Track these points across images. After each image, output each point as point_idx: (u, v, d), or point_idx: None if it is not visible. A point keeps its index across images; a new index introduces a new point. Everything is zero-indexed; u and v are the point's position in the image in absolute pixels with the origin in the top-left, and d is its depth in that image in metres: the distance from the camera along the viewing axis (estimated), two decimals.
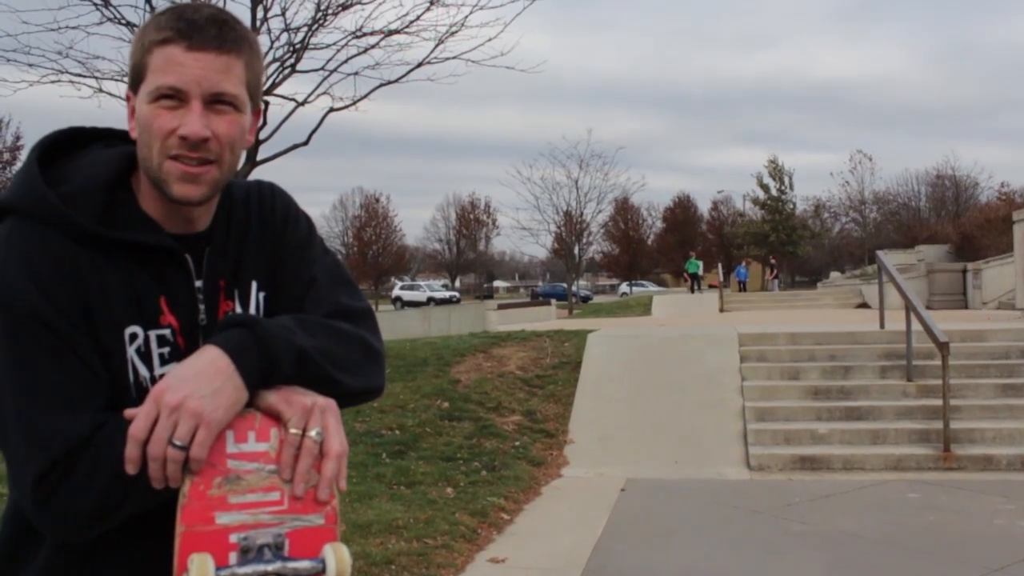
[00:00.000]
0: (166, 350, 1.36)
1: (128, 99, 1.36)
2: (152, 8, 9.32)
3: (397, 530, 5.64)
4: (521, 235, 74.82)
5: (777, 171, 55.75)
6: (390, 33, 9.91)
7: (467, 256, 78.87)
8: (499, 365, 10.39)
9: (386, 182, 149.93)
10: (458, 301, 53.85)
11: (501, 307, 21.22)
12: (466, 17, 9.96)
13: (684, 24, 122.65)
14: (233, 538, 1.22)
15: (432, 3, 9.87)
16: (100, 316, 1.29)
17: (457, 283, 77.64)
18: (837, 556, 5.44)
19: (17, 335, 1.23)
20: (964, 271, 20.83)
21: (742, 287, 41.63)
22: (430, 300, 54.30)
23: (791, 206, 56.05)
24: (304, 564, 1.25)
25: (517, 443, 8.18)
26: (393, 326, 20.62)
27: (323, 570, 1.24)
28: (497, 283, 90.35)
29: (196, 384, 1.21)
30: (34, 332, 1.24)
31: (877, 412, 8.49)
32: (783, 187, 55.63)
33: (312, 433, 1.25)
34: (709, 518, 6.38)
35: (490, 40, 10.02)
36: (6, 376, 1.23)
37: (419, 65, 10.06)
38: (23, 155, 1.37)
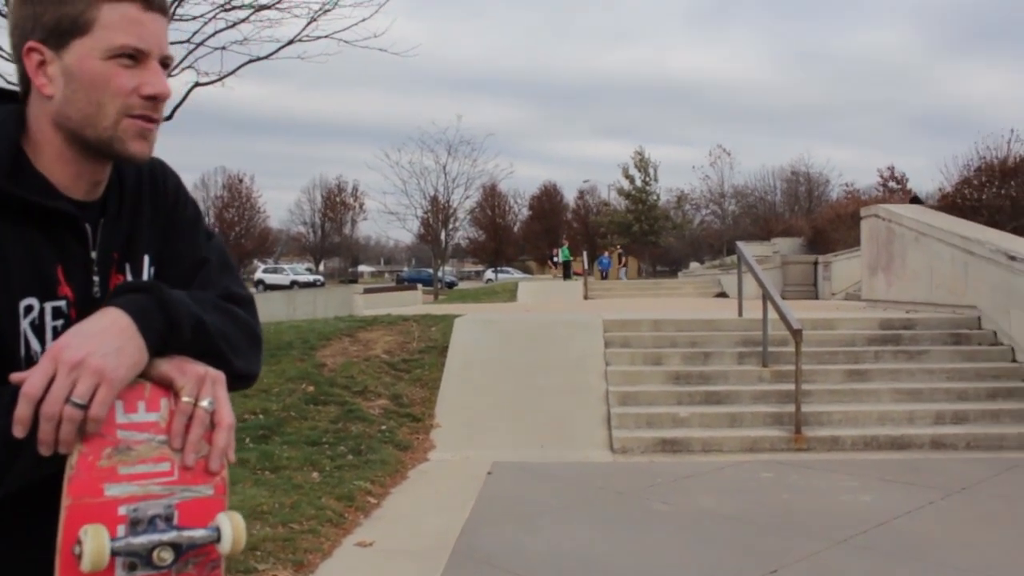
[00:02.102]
0: (60, 323, 1.29)
1: (36, 53, 1.27)
2: None
3: (262, 515, 5.52)
4: (388, 219, 74.05)
5: (643, 163, 57.14)
6: (260, 8, 9.67)
7: (332, 240, 77.79)
8: (365, 349, 10.29)
9: (250, 162, 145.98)
10: (322, 285, 53.00)
11: (367, 291, 21.00)
12: None
13: (544, 17, 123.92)
14: (122, 510, 1.20)
15: None
16: None
17: (321, 267, 76.49)
18: (698, 533, 5.62)
19: None
20: (815, 263, 21.82)
21: (604, 275, 42.47)
22: (293, 284, 53.34)
23: (655, 197, 57.55)
24: (199, 532, 1.24)
25: (383, 427, 8.12)
26: (258, 309, 20.10)
27: (218, 539, 1.24)
28: (362, 267, 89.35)
29: (98, 342, 1.16)
30: None
31: (735, 396, 8.81)
32: (648, 179, 57.05)
33: (204, 403, 1.24)
34: (575, 500, 6.49)
35: (363, 20, 9.92)
36: None
37: (290, 42, 9.86)
38: None
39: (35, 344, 1.26)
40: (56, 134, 1.29)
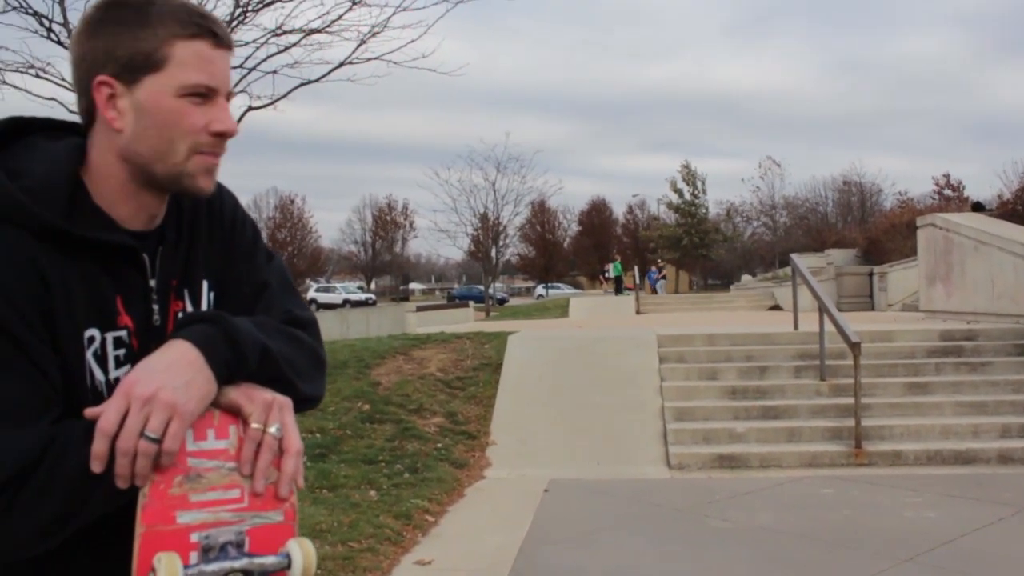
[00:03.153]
0: (121, 352, 1.30)
1: (107, 86, 1.27)
2: None
3: (321, 534, 5.56)
4: (438, 237, 74.70)
5: (690, 176, 56.78)
6: (311, 32, 9.78)
7: (383, 258, 78.37)
8: (420, 367, 10.34)
9: (301, 184, 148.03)
10: (374, 303, 53.46)
11: (420, 309, 21.15)
12: (388, 18, 9.89)
13: (583, 35, 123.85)
14: (194, 537, 1.21)
15: (354, 3, 9.77)
16: (61, 320, 1.22)
17: (373, 285, 77.05)
18: (758, 551, 5.55)
19: None
20: (871, 274, 21.49)
21: (654, 290, 42.22)
22: (346, 302, 53.79)
23: (704, 210, 57.14)
24: (270, 560, 1.25)
25: (439, 445, 8.14)
26: None
27: (288, 565, 1.25)
28: (413, 285, 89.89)
29: (168, 376, 1.18)
30: None
31: (792, 411, 8.69)
32: (696, 192, 56.67)
33: (272, 429, 1.25)
34: (633, 517, 6.45)
35: (412, 42, 9.97)
36: None
37: (340, 65, 9.95)
38: None
39: (99, 374, 1.27)
40: (122, 168, 1.30)
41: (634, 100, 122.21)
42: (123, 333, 1.31)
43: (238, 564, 1.23)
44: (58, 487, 1.14)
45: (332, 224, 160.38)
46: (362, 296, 60.17)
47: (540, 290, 65.93)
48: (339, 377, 9.81)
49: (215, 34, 1.30)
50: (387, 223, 77.50)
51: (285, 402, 1.28)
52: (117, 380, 1.24)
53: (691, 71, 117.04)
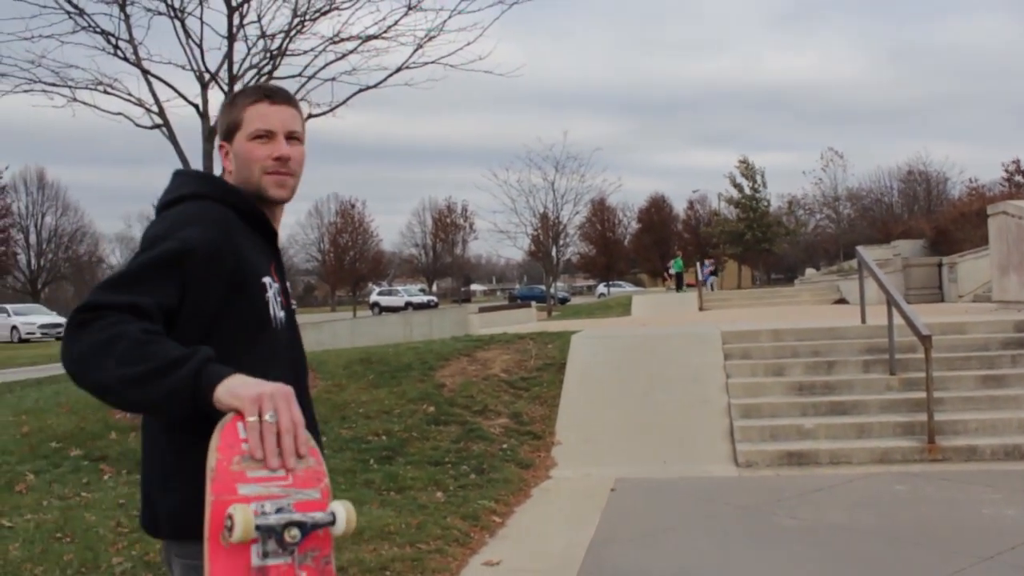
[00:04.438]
0: (279, 300, 1.96)
1: (222, 147, 2.05)
2: (127, 16, 9.25)
3: (389, 536, 5.61)
4: (498, 238, 74.72)
5: (749, 170, 56.18)
6: (368, 38, 9.89)
7: (443, 260, 78.79)
8: (483, 368, 10.37)
9: (360, 188, 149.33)
10: (436, 305, 53.80)
11: (482, 310, 21.22)
12: (444, 22, 9.96)
13: (630, 31, 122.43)
14: (253, 506, 1.50)
15: (410, 8, 9.85)
16: (248, 267, 1.87)
17: (434, 287, 77.48)
18: (830, 550, 5.46)
19: (161, 257, 1.74)
20: (939, 265, 21.01)
21: (705, 285, 41.91)
22: (408, 305, 54.18)
23: (765, 204, 56.43)
24: (319, 515, 1.55)
25: (504, 446, 8.17)
26: (375, 332, 20.56)
27: (333, 521, 1.56)
28: (474, 286, 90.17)
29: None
30: (170, 263, 1.74)
31: (861, 406, 8.54)
32: (756, 185, 56.01)
33: (267, 417, 1.54)
34: (701, 516, 6.40)
35: (468, 44, 10.02)
36: (141, 260, 1.74)
37: (399, 70, 10.04)
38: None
39: (277, 312, 1.93)
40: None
41: (686, 95, 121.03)
42: (277, 286, 1.97)
43: (295, 517, 1.52)
44: (107, 333, 1.58)
45: (393, 228, 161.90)
46: (424, 299, 60.56)
47: (602, 288, 65.68)
48: (404, 379, 9.89)
49: (269, 96, 2.02)
50: (447, 225, 77.91)
51: (276, 389, 1.56)
52: (280, 319, 1.93)
53: (741, 64, 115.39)
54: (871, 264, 10.47)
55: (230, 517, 1.45)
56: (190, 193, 1.94)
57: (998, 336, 9.76)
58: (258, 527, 1.47)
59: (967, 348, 9.55)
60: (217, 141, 2.11)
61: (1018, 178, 47.34)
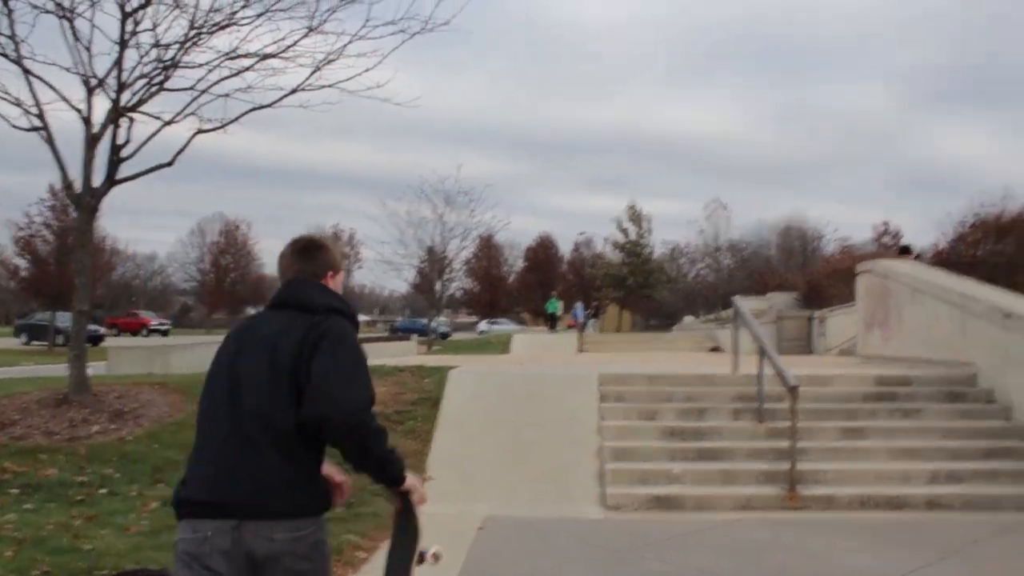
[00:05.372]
0: None
1: (332, 275, 2.99)
2: (10, 11, 8.91)
3: None
4: (384, 269, 73.85)
5: (636, 216, 57.29)
6: (265, 56, 9.73)
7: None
8: None
9: (248, 207, 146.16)
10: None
11: (361, 341, 20.90)
12: (344, 46, 9.87)
13: (529, 71, 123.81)
14: None
15: (310, 30, 9.74)
16: None
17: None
18: None
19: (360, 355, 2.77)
20: (810, 318, 21.83)
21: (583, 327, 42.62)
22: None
23: (649, 251, 57.60)
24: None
25: None
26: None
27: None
28: (360, 317, 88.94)
29: None
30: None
31: (729, 453, 8.73)
32: (642, 232, 57.17)
33: (338, 478, 2.93)
34: (568, 558, 6.39)
35: (367, 71, 9.95)
36: (362, 363, 2.79)
37: (294, 91, 9.90)
38: None
39: None
40: None
41: (579, 138, 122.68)
42: None
43: None
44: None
45: (277, 252, 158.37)
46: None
47: (483, 325, 65.73)
48: None
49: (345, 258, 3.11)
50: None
51: (335, 470, 2.87)
52: None
53: (634, 112, 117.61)
54: (746, 314, 10.76)
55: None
56: (348, 309, 2.96)
57: (859, 390, 10.14)
58: None
59: (831, 400, 9.88)
60: (327, 268, 2.97)
61: (887, 239, 49.72)
